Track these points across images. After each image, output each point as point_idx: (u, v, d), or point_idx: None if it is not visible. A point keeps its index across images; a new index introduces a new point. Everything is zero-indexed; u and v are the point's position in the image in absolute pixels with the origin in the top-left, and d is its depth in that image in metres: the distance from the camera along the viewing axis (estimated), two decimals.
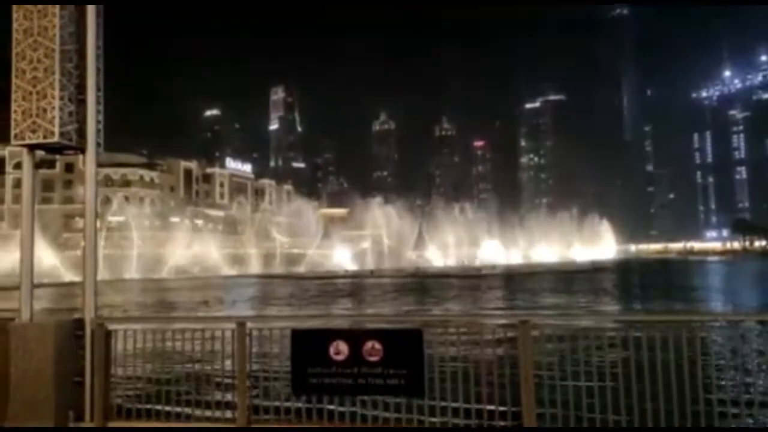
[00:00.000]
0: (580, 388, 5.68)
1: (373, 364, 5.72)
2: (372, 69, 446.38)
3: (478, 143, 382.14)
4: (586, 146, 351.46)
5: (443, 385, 5.81)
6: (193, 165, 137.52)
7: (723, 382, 6.41)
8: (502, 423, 5.67)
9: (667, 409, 5.38)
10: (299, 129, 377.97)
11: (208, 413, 6.25)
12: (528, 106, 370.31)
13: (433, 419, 5.81)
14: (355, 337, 5.85)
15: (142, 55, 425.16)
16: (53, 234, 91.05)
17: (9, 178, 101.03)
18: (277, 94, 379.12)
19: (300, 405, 6.11)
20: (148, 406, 6.37)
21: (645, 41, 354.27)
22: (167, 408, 6.29)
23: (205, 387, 6.36)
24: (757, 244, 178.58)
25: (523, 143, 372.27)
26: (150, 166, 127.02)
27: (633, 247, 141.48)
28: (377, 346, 5.74)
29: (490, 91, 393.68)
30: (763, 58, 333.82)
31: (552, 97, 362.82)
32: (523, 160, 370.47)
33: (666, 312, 20.65)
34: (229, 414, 6.18)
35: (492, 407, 5.69)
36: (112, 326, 6.53)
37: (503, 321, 7.23)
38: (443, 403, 5.80)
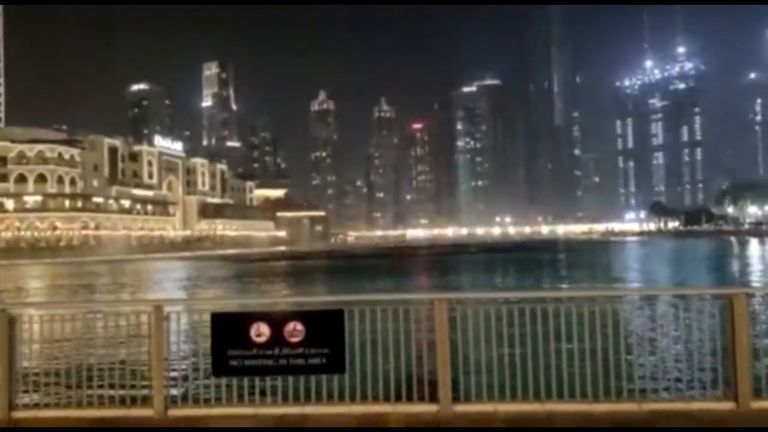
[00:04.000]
0: (496, 357, 5.97)
1: (295, 345, 5.76)
2: (311, 48, 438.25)
3: (417, 125, 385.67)
4: (519, 130, 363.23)
5: (363, 362, 5.95)
6: (118, 142, 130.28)
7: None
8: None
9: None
10: (234, 107, 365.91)
11: (123, 402, 6.07)
12: (465, 90, 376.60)
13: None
14: (276, 318, 5.85)
15: (62, 23, 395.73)
16: None
17: None
18: (211, 70, 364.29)
19: (221, 391, 6.03)
20: (58, 396, 6.11)
21: (575, 30, 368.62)
22: (78, 397, 6.06)
23: (120, 374, 6.16)
24: (670, 225, 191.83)
25: (459, 126, 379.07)
26: (70, 143, 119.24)
27: (561, 228, 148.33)
28: (299, 327, 5.79)
29: (428, 75, 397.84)
30: (681, 49, 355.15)
31: (488, 82, 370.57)
32: (460, 143, 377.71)
33: (588, 288, 21.93)
34: (145, 401, 6.04)
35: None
36: (16, 311, 6.17)
37: (422, 296, 7.41)
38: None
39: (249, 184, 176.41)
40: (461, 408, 5.81)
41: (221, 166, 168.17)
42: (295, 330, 5.77)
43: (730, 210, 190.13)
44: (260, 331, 5.77)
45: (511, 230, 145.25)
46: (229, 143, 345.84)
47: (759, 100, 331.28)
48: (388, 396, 5.97)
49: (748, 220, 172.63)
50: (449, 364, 5.80)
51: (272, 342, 5.75)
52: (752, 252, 69.34)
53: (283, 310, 6.46)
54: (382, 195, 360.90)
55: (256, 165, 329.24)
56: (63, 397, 6.13)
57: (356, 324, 5.99)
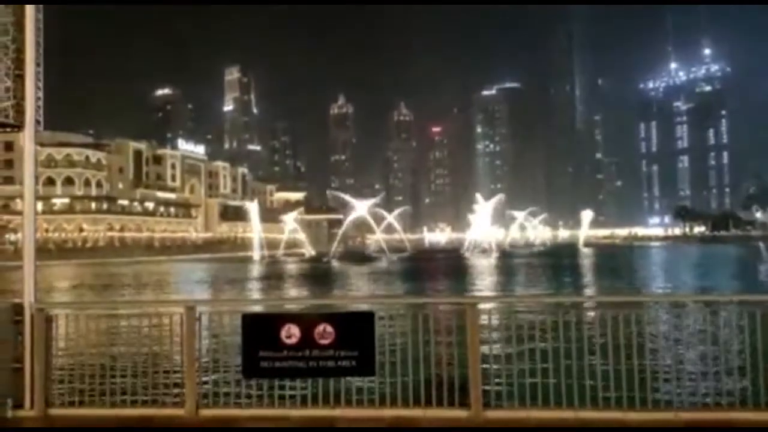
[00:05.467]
0: (526, 367, 5.92)
1: (325, 347, 5.78)
2: (330, 52, 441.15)
3: (436, 129, 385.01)
4: (539, 134, 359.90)
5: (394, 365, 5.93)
6: (142, 146, 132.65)
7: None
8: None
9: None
10: (255, 111, 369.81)
11: (156, 401, 6.15)
12: (484, 93, 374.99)
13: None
14: (306, 320, 5.88)
15: (91, 30, 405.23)
16: None
17: None
18: (232, 75, 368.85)
19: (251, 392, 6.08)
20: (92, 393, 6.22)
21: (598, 32, 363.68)
22: (111, 395, 6.15)
23: (152, 373, 6.24)
24: (696, 230, 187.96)
25: (479, 130, 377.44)
26: (97, 147, 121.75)
27: (584, 232, 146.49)
28: (329, 329, 5.80)
29: (448, 78, 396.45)
30: (707, 51, 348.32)
31: (508, 85, 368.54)
32: (479, 146, 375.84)
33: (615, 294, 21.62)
34: (177, 401, 6.11)
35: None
36: (54, 311, 6.30)
37: (456, 300, 7.39)
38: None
39: (269, 187, 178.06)
40: (492, 414, 5.76)
41: (242, 170, 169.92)
42: (325, 332, 5.79)
43: (758, 215, 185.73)
44: (290, 333, 5.80)
45: (533, 234, 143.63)
46: (250, 147, 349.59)
47: None
48: (418, 400, 5.94)
49: None
50: (480, 369, 5.76)
51: (302, 344, 5.78)
52: None
53: (314, 312, 6.49)
54: (400, 198, 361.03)
55: (276, 168, 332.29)
56: (97, 394, 6.23)
57: (385, 327, 5.98)
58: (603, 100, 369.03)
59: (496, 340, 6.49)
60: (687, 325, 7.13)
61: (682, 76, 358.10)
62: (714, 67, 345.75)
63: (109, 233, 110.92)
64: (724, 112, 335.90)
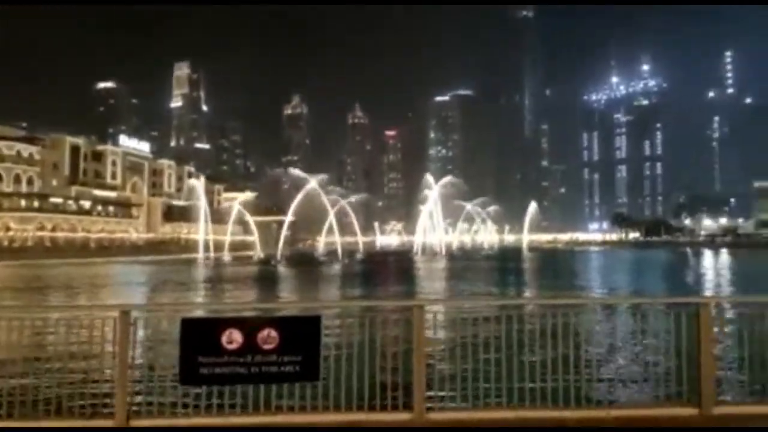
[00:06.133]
0: (470, 368, 6.00)
1: (269, 352, 5.62)
2: (286, 52, 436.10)
3: (390, 133, 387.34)
4: (490, 141, 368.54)
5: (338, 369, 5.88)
6: (80, 141, 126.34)
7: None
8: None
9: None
10: (204, 108, 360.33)
11: (83, 412, 5.80)
12: (438, 99, 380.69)
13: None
14: (249, 325, 5.70)
15: (32, 20, 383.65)
16: None
17: None
18: (182, 70, 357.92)
19: (188, 400, 5.83)
20: (12, 405, 5.80)
21: (547, 45, 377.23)
22: (34, 407, 5.77)
23: (80, 382, 5.89)
24: (631, 236, 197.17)
25: (432, 135, 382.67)
26: (30, 141, 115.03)
27: (528, 236, 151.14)
28: (273, 333, 5.65)
29: (403, 83, 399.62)
30: (645, 67, 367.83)
31: (461, 92, 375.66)
32: (432, 151, 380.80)
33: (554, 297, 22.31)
34: (106, 412, 5.79)
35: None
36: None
37: (403, 303, 7.38)
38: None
39: (217, 187, 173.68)
40: (435, 416, 5.79)
41: (189, 168, 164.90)
42: (269, 337, 5.63)
43: (687, 222, 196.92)
44: (232, 338, 5.61)
45: (481, 238, 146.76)
46: (198, 145, 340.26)
47: (716, 118, 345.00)
48: (362, 404, 5.89)
49: (703, 233, 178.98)
50: (424, 372, 5.78)
51: (244, 349, 5.59)
52: (706, 263, 71.89)
53: (258, 316, 6.31)
54: (353, 200, 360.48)
55: (225, 168, 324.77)
56: (17, 406, 5.81)
57: (332, 331, 5.91)
58: (550, 110, 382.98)
59: (442, 342, 6.53)
60: (620, 326, 7.41)
61: (622, 89, 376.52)
62: (651, 83, 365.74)
63: (40, 233, 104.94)
64: (659, 126, 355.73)
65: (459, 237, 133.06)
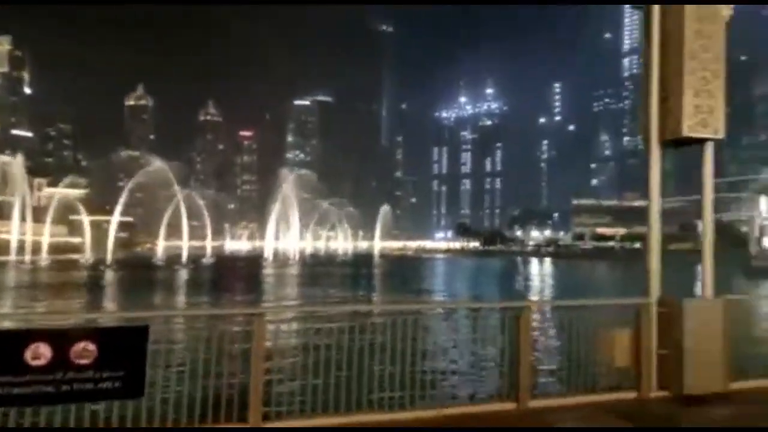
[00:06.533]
0: (310, 375, 6.04)
1: (84, 368, 5.10)
2: (132, 35, 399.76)
3: (246, 133, 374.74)
4: (347, 148, 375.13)
5: (167, 383, 5.54)
6: None
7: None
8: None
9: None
10: (28, 90, 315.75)
11: None
12: (298, 103, 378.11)
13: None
14: (62, 338, 5.12)
15: None
16: None
17: None
18: (2, 45, 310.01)
19: None
20: None
21: (404, 61, 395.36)
22: None
23: None
24: (472, 245, 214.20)
25: (290, 139, 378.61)
26: None
27: (380, 243, 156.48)
28: (90, 346, 5.14)
29: (262, 84, 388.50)
30: (489, 90, 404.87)
31: (321, 98, 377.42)
32: (289, 155, 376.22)
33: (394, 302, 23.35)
34: None
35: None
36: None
37: (244, 311, 7.17)
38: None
39: (38, 180, 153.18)
40: (272, 425, 5.74)
41: (4, 158, 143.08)
42: (85, 350, 5.11)
43: (518, 234, 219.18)
44: (39, 353, 4.99)
45: (334, 244, 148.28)
46: (18, 132, 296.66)
47: (545, 142, 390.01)
48: (192, 418, 5.63)
49: (531, 243, 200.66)
50: (262, 381, 5.70)
51: (54, 365, 5.00)
52: (533, 270, 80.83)
53: (72, 327, 5.69)
54: (202, 202, 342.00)
55: (50, 160, 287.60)
56: None
57: (162, 341, 5.56)
58: (405, 123, 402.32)
59: (284, 349, 6.47)
60: (457, 329, 7.98)
61: (469, 109, 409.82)
62: (494, 105, 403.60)
63: None
64: (499, 145, 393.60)
65: (313, 242, 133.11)
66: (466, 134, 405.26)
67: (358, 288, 43.65)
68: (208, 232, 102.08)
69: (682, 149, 7.73)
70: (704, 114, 6.95)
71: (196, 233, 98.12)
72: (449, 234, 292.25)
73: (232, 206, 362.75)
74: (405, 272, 68.81)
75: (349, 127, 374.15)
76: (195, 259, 79.21)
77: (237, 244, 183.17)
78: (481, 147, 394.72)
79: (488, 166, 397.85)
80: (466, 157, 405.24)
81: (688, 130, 6.97)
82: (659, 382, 6.97)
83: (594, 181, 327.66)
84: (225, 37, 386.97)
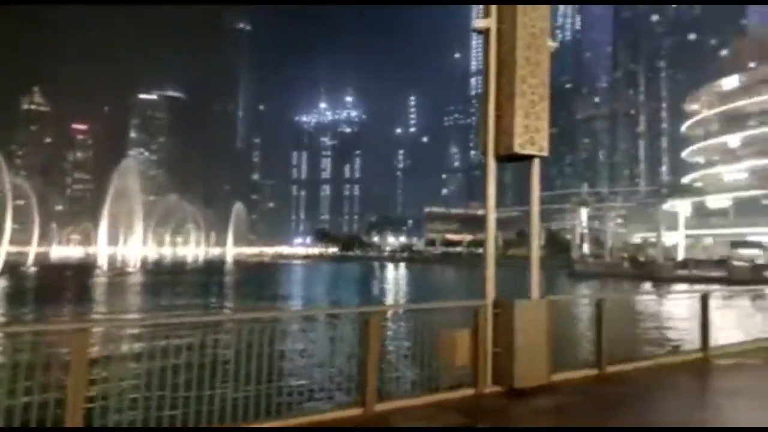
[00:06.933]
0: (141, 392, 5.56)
1: None
2: None
3: (80, 127, 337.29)
4: (200, 148, 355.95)
5: None
6: None
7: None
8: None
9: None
10: None
11: None
12: (143, 97, 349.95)
13: None
14: None
15: None
16: None
17: None
18: None
19: None
20: None
21: (263, 61, 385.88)
22: None
23: None
24: (331, 250, 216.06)
25: (133, 135, 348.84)
26: None
27: (234, 249, 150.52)
28: None
29: (103, 75, 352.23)
30: (349, 98, 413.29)
31: (170, 93, 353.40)
32: (132, 152, 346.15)
33: (249, 310, 22.61)
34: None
35: None
36: None
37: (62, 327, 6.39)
38: None
39: None
40: None
41: None
42: None
43: (376, 239, 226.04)
44: None
45: (183, 250, 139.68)
46: None
47: (401, 151, 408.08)
48: None
49: (387, 248, 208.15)
50: (83, 401, 5.11)
51: None
52: (389, 274, 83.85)
53: None
54: (22, 202, 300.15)
55: None
56: None
57: None
58: (263, 124, 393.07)
59: (112, 365, 5.86)
60: (314, 336, 7.89)
61: (329, 115, 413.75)
62: (353, 113, 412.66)
63: None
64: (358, 152, 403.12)
65: (158, 248, 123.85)
66: (326, 140, 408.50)
67: (209, 296, 41.50)
68: (35, 235, 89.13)
69: (515, 164, 8.50)
70: (532, 133, 7.76)
71: (16, 238, 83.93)
72: (308, 240, 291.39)
73: (60, 207, 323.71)
74: (261, 279, 67.06)
75: (202, 125, 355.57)
76: (13, 267, 68.37)
77: (66, 250, 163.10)
78: (341, 153, 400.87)
79: (347, 173, 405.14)
80: (326, 162, 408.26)
81: (518, 147, 7.71)
82: (494, 378, 7.55)
83: (444, 191, 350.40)
84: (59, 19, 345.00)
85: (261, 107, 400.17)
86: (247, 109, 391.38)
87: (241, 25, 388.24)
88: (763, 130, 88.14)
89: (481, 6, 8.77)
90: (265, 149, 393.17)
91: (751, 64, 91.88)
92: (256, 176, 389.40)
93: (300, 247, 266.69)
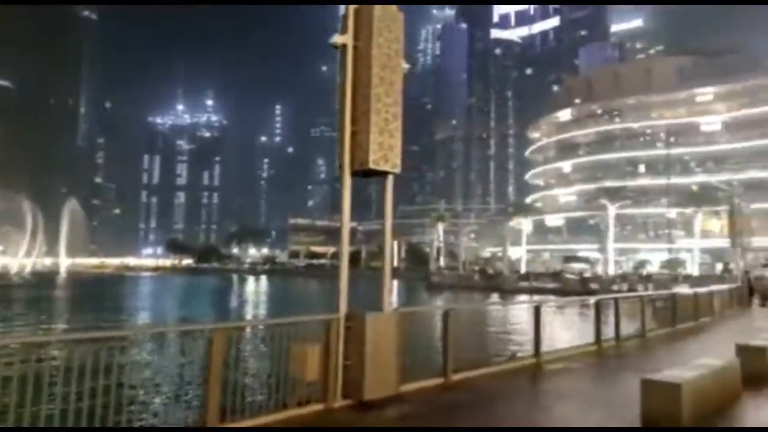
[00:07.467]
0: None
1: None
2: None
3: None
4: (33, 145, 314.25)
5: None
6: None
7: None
8: None
9: None
10: None
11: None
12: None
13: None
14: None
15: None
16: None
17: None
18: None
19: None
20: None
21: (111, 54, 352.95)
22: None
23: None
24: (185, 262, 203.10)
25: None
26: None
27: (69, 260, 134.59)
28: None
29: None
30: (209, 102, 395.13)
31: None
32: None
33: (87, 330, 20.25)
34: None
35: None
36: None
37: None
38: None
39: None
40: None
41: None
42: None
43: (235, 251, 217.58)
44: None
45: (2, 260, 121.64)
46: None
47: (266, 160, 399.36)
48: None
49: (248, 260, 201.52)
50: None
51: None
52: (248, 288, 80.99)
53: None
54: None
55: None
56: None
57: None
58: (110, 123, 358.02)
59: None
60: (160, 356, 7.33)
61: (187, 118, 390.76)
62: (214, 118, 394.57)
63: None
64: (218, 159, 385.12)
65: None
66: (183, 144, 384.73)
67: (37, 316, 36.56)
68: None
69: (370, 179, 8.69)
70: (386, 150, 8.01)
71: None
72: (159, 250, 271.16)
73: None
74: (103, 293, 60.77)
75: (34, 120, 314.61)
76: None
77: None
78: (199, 159, 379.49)
79: (206, 180, 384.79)
80: (182, 168, 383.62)
81: (372, 163, 7.92)
82: (344, 392, 7.57)
83: (310, 202, 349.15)
84: None
85: (107, 104, 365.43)
86: (91, 106, 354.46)
87: (87, 13, 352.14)
88: (588, 158, 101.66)
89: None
90: (112, 150, 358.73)
91: (577, 101, 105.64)
92: (99, 179, 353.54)
93: (150, 259, 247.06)
